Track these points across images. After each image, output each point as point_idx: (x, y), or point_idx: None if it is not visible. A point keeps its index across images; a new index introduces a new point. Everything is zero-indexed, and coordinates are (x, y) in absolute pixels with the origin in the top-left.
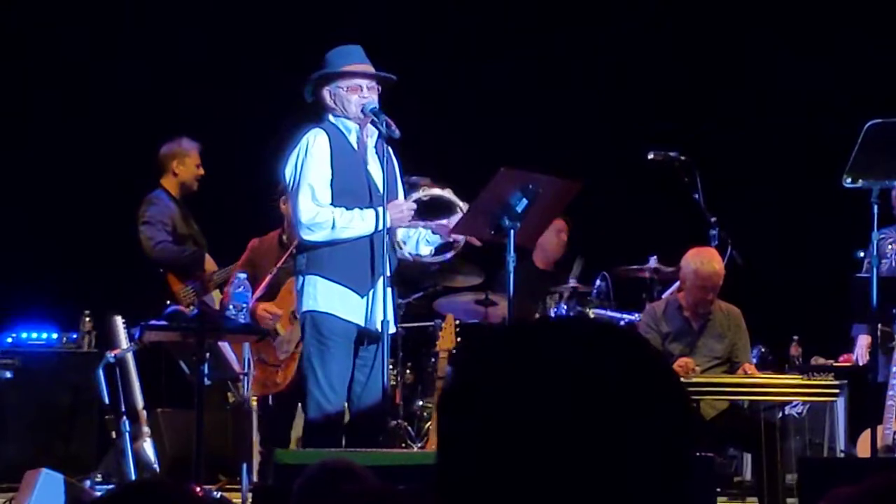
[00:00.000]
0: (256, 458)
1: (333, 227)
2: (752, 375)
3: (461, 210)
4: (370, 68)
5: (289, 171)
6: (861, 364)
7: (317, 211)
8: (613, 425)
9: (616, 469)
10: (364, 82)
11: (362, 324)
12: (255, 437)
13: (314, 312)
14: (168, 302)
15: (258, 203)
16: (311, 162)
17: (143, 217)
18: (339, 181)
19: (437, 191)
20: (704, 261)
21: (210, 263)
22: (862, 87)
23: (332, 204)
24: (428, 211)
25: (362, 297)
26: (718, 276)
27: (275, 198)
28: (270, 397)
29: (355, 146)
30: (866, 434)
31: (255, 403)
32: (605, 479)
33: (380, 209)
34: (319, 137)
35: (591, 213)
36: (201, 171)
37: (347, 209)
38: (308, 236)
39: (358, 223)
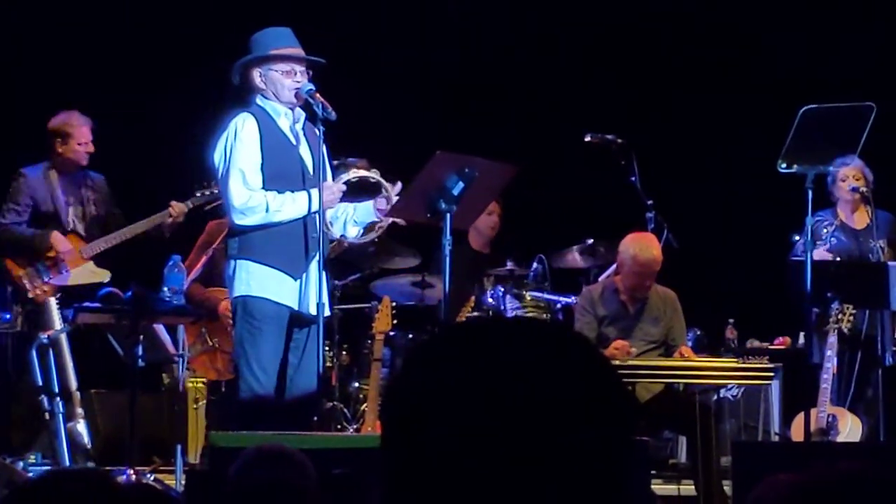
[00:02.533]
0: (201, 443)
1: (267, 210)
2: (687, 359)
3: (386, 191)
4: (302, 51)
5: (217, 157)
6: None
7: (249, 195)
8: (560, 422)
9: (561, 461)
10: (298, 66)
11: (295, 307)
12: (203, 422)
13: (247, 297)
14: (9, 288)
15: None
16: (240, 146)
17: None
18: (270, 165)
19: (363, 172)
20: (643, 247)
21: (74, 242)
22: (805, 69)
23: (263, 188)
24: (355, 192)
25: (296, 279)
26: (657, 262)
27: (206, 183)
28: (224, 384)
29: (285, 129)
30: (800, 417)
31: (203, 388)
32: (551, 471)
33: (313, 191)
34: (248, 122)
35: (527, 195)
36: (90, 149)
37: (279, 192)
38: (241, 221)
39: (290, 206)
